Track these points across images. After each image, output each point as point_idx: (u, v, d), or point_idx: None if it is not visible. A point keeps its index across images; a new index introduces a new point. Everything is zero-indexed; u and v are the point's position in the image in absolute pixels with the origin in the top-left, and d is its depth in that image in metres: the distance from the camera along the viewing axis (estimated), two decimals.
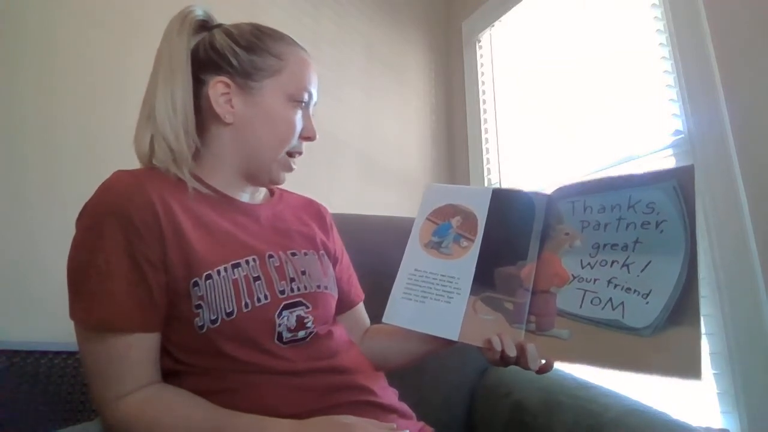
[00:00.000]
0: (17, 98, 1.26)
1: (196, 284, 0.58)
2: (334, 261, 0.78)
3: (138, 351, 0.57)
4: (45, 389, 1.09)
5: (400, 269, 0.72)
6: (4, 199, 1.19)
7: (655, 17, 1.29)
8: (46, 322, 1.17)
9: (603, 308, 0.60)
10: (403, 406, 0.70)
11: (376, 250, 0.93)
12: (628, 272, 0.60)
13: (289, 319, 0.61)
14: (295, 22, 1.66)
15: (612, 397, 0.75)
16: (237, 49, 0.68)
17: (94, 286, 0.57)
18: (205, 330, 0.57)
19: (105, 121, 1.35)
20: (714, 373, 1.03)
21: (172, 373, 0.60)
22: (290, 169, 0.71)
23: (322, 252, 0.73)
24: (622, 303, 0.59)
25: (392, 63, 1.96)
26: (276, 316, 0.60)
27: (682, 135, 1.18)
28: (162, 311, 0.58)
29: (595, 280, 0.62)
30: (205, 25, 0.72)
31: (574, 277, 0.63)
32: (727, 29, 1.12)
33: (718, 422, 1.01)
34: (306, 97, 0.69)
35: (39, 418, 1.06)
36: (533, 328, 0.64)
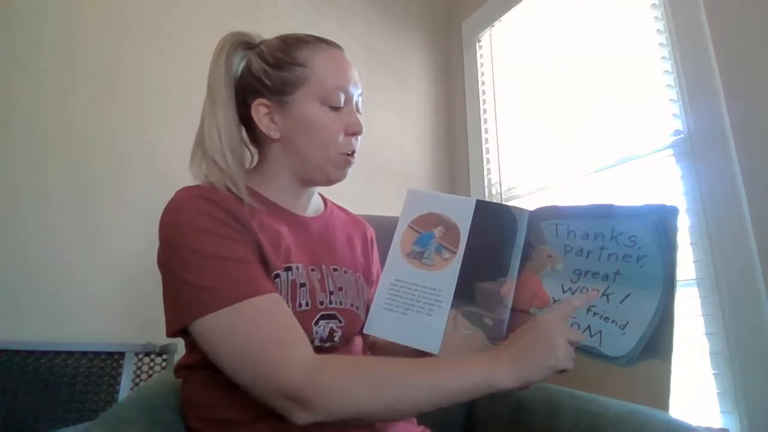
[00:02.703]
0: (40, 104, 1.27)
1: (277, 276, 0.62)
2: (370, 284, 0.80)
3: (286, 310, 0.58)
4: (45, 389, 1.09)
5: (381, 278, 0.70)
6: (6, 201, 1.19)
7: (655, 17, 1.29)
8: (47, 322, 1.17)
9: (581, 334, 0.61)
10: None
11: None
12: (608, 302, 0.61)
13: (324, 328, 0.64)
14: (295, 22, 1.66)
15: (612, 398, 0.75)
16: (267, 68, 0.69)
17: (215, 273, 0.56)
18: None
19: (125, 125, 1.35)
20: (714, 373, 1.04)
21: (200, 366, 0.60)
22: (346, 165, 0.71)
23: (359, 274, 0.75)
24: (600, 331, 0.60)
25: (392, 63, 1.96)
26: (314, 323, 0.63)
27: (682, 135, 1.18)
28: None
29: None
30: (247, 46, 0.73)
31: (555, 301, 0.63)
32: (727, 29, 1.12)
33: (718, 422, 1.01)
34: (339, 97, 0.69)
35: (39, 418, 1.06)
36: None
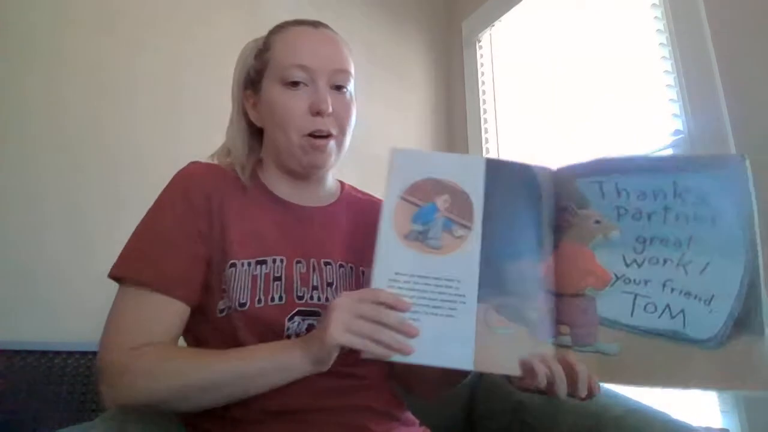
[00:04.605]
0: (26, 100, 1.26)
1: (225, 268, 0.62)
2: None
3: (165, 314, 0.60)
4: (46, 389, 1.09)
5: (373, 275, 0.53)
6: (7, 199, 1.19)
7: (655, 17, 1.29)
8: (48, 322, 1.17)
9: (660, 316, 0.50)
10: (407, 415, 0.69)
11: None
12: (686, 273, 0.50)
13: (300, 325, 0.62)
14: None
15: (612, 397, 0.75)
16: (252, 61, 0.72)
17: (145, 247, 0.62)
18: (223, 314, 0.61)
19: (114, 122, 1.35)
20: None
21: None
22: (313, 149, 0.66)
23: (362, 268, 0.69)
24: (683, 310, 0.49)
25: (392, 63, 1.96)
26: (287, 319, 0.61)
27: (682, 135, 1.18)
28: (198, 283, 0.62)
29: (646, 281, 0.51)
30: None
31: (618, 277, 0.52)
32: (727, 29, 1.12)
33: (718, 422, 1.01)
34: (296, 74, 0.66)
35: (39, 418, 1.06)
36: (568, 342, 0.52)
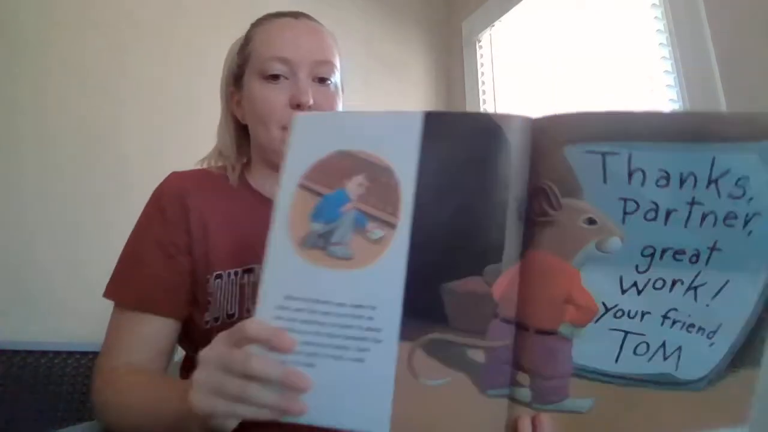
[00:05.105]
0: (14, 98, 1.26)
1: (209, 280, 0.61)
2: None
3: (149, 331, 0.60)
4: (45, 389, 1.08)
5: (258, 301, 0.38)
6: (3, 199, 1.19)
7: (655, 17, 1.29)
8: (47, 322, 1.17)
9: (651, 359, 0.37)
10: None
11: None
12: (695, 300, 0.36)
13: None
14: None
15: None
16: (235, 57, 0.71)
17: (126, 269, 0.63)
18: (209, 326, 0.60)
19: (101, 119, 1.35)
20: None
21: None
22: None
23: None
24: (679, 347, 0.37)
25: (392, 62, 1.96)
26: None
27: None
28: (182, 297, 0.61)
29: (643, 314, 0.36)
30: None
31: (607, 309, 0.36)
32: (727, 29, 1.12)
33: None
34: (276, 66, 0.63)
35: (39, 418, 1.06)
36: (526, 397, 0.37)
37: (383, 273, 0.36)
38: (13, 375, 1.07)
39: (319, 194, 0.39)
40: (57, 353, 1.12)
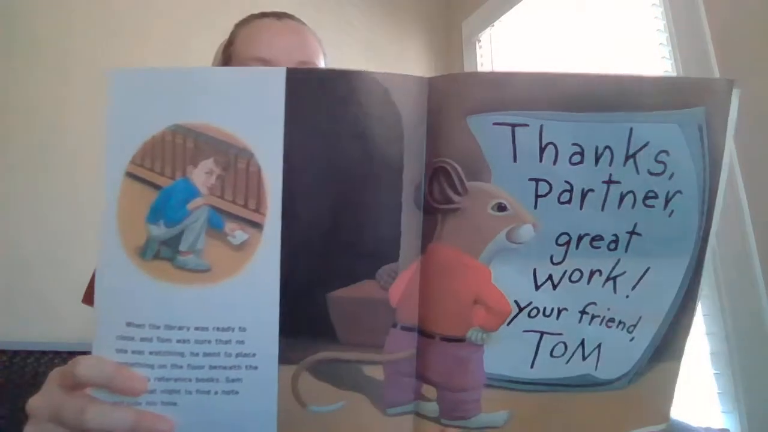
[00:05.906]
0: (32, 99, 1.26)
1: None
2: None
3: None
4: None
5: (96, 329, 0.30)
6: (8, 197, 1.19)
7: (655, 17, 1.29)
8: (47, 322, 1.17)
9: (569, 360, 0.33)
10: None
11: None
12: (614, 291, 0.33)
13: None
14: None
15: None
16: (220, 57, 0.70)
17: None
18: None
19: (95, 120, 1.35)
20: (714, 373, 1.03)
21: None
22: None
23: None
24: (599, 345, 0.34)
25: (392, 62, 1.96)
26: None
27: None
28: None
29: (560, 311, 0.32)
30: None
31: (520, 309, 0.31)
32: (727, 29, 1.12)
33: (718, 422, 1.00)
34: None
35: None
36: (434, 412, 0.32)
37: (251, 286, 0.29)
38: (13, 375, 1.07)
39: (154, 185, 0.29)
40: (57, 353, 1.11)
